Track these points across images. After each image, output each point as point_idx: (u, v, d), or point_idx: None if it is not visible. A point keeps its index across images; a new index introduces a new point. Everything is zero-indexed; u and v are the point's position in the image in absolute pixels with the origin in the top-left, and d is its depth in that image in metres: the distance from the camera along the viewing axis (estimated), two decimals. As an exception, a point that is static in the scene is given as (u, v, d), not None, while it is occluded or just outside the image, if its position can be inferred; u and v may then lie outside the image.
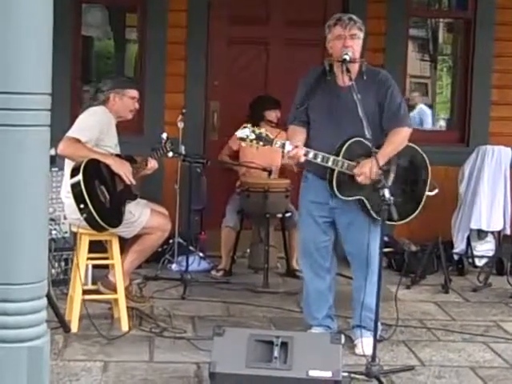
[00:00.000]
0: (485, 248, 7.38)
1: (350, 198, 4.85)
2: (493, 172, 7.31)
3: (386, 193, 4.40)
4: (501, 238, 7.35)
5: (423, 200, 5.09)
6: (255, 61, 7.73)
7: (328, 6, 7.58)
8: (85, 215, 5.00)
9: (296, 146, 4.65)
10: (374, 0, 7.55)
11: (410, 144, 5.03)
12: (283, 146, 4.64)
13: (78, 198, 4.99)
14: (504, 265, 7.08)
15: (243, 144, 4.68)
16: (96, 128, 5.24)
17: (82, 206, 4.99)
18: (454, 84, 8.25)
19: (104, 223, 5.06)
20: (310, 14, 7.55)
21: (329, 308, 5.14)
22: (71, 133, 5.14)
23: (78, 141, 5.12)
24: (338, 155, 4.77)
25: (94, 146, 5.22)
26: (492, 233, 7.39)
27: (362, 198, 4.82)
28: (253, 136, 4.57)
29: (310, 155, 4.70)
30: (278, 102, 7.08)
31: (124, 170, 5.25)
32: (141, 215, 5.31)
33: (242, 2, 7.53)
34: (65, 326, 4.80)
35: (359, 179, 4.75)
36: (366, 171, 4.71)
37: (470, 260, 7.34)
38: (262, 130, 4.64)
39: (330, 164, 4.74)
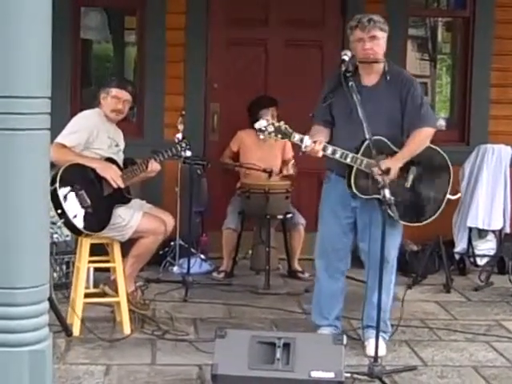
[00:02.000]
0: (486, 247, 7.37)
1: (368, 197, 4.83)
2: (493, 171, 7.31)
3: (387, 193, 4.40)
4: (502, 237, 7.35)
5: (444, 202, 5.05)
6: (254, 62, 7.72)
7: (326, 7, 7.59)
8: (63, 220, 5.03)
9: (314, 142, 4.64)
10: (372, 0, 7.54)
11: (431, 145, 5.00)
12: (301, 140, 4.61)
13: (55, 204, 4.99)
14: (505, 263, 7.08)
15: (261, 136, 4.62)
16: (84, 132, 5.22)
17: (59, 211, 5.01)
18: (454, 83, 8.25)
19: (83, 228, 5.06)
20: (309, 15, 7.55)
21: (339, 309, 5.15)
22: (57, 138, 5.13)
23: (64, 146, 5.12)
24: (357, 153, 4.75)
25: (84, 149, 5.21)
26: (493, 231, 7.38)
27: (380, 197, 4.78)
28: (271, 128, 4.53)
29: (329, 151, 4.67)
30: (274, 100, 7.08)
31: (110, 173, 5.21)
32: (131, 219, 5.25)
33: (241, 4, 7.53)
34: (67, 329, 4.82)
35: (379, 178, 4.72)
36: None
37: (472, 259, 7.33)
38: (281, 123, 4.61)
39: (348, 161, 4.72)
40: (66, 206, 5.01)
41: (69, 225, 5.07)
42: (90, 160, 5.20)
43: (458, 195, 5.11)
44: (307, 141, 4.60)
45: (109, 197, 5.23)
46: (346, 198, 4.94)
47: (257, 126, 4.56)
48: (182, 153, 5.71)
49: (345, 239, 5.04)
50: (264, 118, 4.60)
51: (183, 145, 5.66)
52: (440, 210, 5.06)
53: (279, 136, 4.58)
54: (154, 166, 5.46)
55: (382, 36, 4.85)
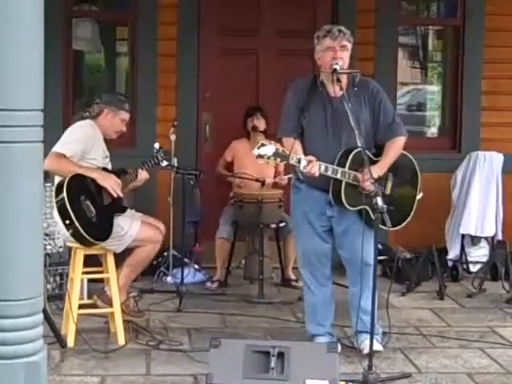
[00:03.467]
0: (479, 254, 7.39)
1: (355, 208, 4.89)
2: (485, 178, 7.33)
3: (379, 201, 4.43)
4: (494, 244, 7.36)
5: (415, 204, 5.16)
6: (246, 71, 7.74)
7: (317, 16, 7.61)
8: (71, 231, 5.02)
9: (310, 161, 4.68)
10: (362, 9, 7.57)
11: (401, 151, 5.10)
12: (299, 161, 4.68)
13: (63, 214, 5.00)
14: (498, 270, 7.09)
15: (260, 161, 4.70)
16: (81, 142, 5.24)
17: (67, 222, 5.00)
18: (445, 91, 8.28)
19: (91, 238, 5.07)
20: (300, 24, 7.57)
21: (333, 315, 5.19)
22: (56, 148, 5.15)
23: (63, 156, 5.13)
24: (342, 166, 4.81)
25: (80, 159, 5.23)
26: (485, 238, 7.40)
27: (366, 207, 4.83)
28: (270, 153, 4.61)
29: (322, 168, 4.74)
30: (256, 108, 7.16)
31: (110, 182, 5.24)
32: (130, 228, 5.28)
33: (232, 14, 7.56)
34: (61, 340, 4.82)
35: (365, 185, 4.76)
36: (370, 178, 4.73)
37: (465, 266, 7.35)
38: (278, 146, 4.68)
39: (339, 176, 4.80)
40: (74, 216, 5.00)
41: (77, 235, 5.04)
42: (91, 170, 5.22)
43: (421, 194, 5.20)
44: (303, 161, 4.66)
45: (108, 206, 5.25)
46: (321, 207, 5.00)
47: (255, 152, 4.64)
48: (161, 163, 5.73)
49: (326, 245, 5.09)
50: (263, 144, 4.64)
51: (162, 154, 5.69)
52: (413, 212, 5.15)
53: (278, 159, 4.65)
54: (143, 175, 5.52)
55: (349, 47, 4.93)
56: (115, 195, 5.24)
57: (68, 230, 5.03)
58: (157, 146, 5.78)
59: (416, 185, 5.19)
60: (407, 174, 5.17)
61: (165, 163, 5.77)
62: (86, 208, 5.09)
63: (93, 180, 5.18)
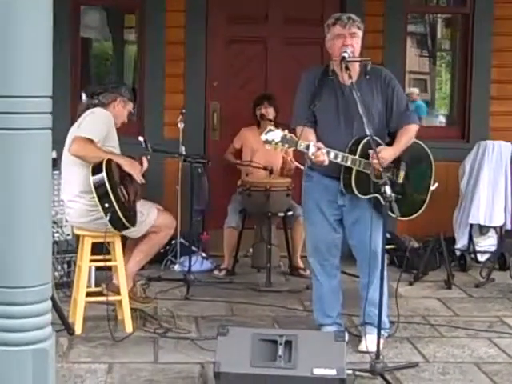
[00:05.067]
0: (487, 243, 7.39)
1: (366, 196, 4.86)
2: (493, 167, 7.32)
3: (388, 189, 4.42)
4: (503, 233, 7.35)
5: (429, 194, 5.12)
6: (254, 60, 7.73)
7: (326, 4, 7.59)
8: (109, 215, 4.99)
9: (318, 148, 4.66)
10: (371, -3, 7.55)
11: (414, 140, 5.05)
12: (307, 147, 4.64)
13: (103, 197, 4.98)
14: (506, 260, 7.09)
15: (267, 147, 4.67)
16: (104, 129, 5.26)
17: (106, 205, 4.98)
18: (453, 79, 8.25)
19: (128, 222, 5.08)
20: (308, 12, 7.56)
21: (340, 305, 5.16)
22: (83, 133, 5.13)
23: (91, 141, 5.13)
24: (353, 154, 4.78)
25: (102, 146, 5.23)
26: (494, 228, 7.40)
27: (377, 195, 4.80)
28: (278, 139, 4.59)
29: (332, 155, 4.71)
30: (266, 96, 7.13)
31: (135, 169, 5.28)
32: (149, 214, 5.33)
33: (240, 1, 7.54)
34: (69, 328, 4.83)
35: (374, 162, 4.72)
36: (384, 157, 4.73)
37: (473, 255, 7.34)
38: (286, 132, 4.65)
39: (349, 163, 4.76)
40: (114, 199, 5.00)
41: (115, 219, 5.02)
42: (117, 156, 5.24)
43: (436, 185, 5.16)
44: (312, 148, 4.63)
45: (131, 192, 5.28)
46: (332, 195, 4.97)
47: (263, 137, 4.61)
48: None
49: (336, 235, 5.05)
50: (271, 129, 4.62)
51: (149, 146, 5.71)
52: (426, 202, 5.12)
53: (286, 145, 4.62)
54: (146, 164, 5.52)
55: (360, 35, 4.87)
56: (140, 181, 5.28)
57: (106, 214, 4.99)
58: (141, 138, 5.79)
59: (430, 176, 5.14)
60: (421, 165, 5.12)
61: (147, 160, 5.74)
62: (121, 192, 5.10)
63: (118, 166, 5.19)
